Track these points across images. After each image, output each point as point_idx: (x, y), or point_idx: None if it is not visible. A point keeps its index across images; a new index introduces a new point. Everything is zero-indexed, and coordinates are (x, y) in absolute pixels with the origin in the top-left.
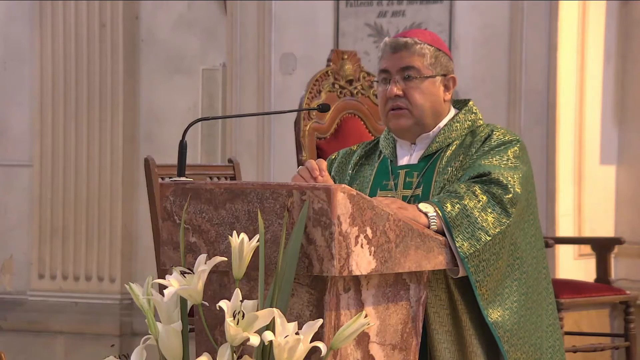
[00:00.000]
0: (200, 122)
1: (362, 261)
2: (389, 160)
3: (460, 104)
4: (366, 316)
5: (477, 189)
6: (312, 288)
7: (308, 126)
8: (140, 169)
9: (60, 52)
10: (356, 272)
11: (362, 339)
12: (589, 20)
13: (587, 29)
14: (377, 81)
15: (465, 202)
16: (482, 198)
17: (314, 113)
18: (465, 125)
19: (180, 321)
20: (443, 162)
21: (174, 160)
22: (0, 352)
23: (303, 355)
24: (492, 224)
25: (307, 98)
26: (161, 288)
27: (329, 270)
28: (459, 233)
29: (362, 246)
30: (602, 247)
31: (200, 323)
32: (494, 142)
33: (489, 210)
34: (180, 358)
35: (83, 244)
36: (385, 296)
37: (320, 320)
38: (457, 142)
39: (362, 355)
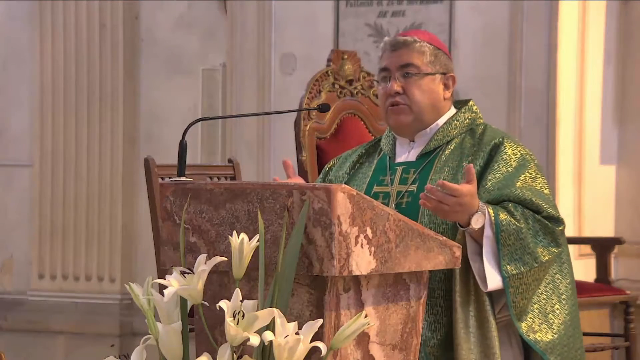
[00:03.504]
0: (200, 122)
1: (362, 261)
2: (387, 157)
3: (461, 103)
4: (366, 316)
5: (529, 216)
6: (312, 288)
7: (308, 126)
8: (140, 169)
9: (60, 52)
10: (356, 272)
11: (362, 339)
12: (589, 20)
13: (587, 29)
14: (378, 80)
15: (522, 225)
16: (535, 225)
17: (314, 113)
18: (465, 124)
19: (180, 321)
20: (441, 161)
21: (174, 160)
22: (0, 352)
23: (303, 355)
24: (543, 252)
25: (307, 98)
26: (161, 288)
27: (329, 270)
28: (507, 252)
29: (362, 246)
30: (602, 247)
31: (200, 323)
32: (514, 161)
33: (540, 239)
34: (180, 358)
35: (83, 244)
36: (385, 296)
37: (320, 320)
38: (457, 140)
39: (362, 355)
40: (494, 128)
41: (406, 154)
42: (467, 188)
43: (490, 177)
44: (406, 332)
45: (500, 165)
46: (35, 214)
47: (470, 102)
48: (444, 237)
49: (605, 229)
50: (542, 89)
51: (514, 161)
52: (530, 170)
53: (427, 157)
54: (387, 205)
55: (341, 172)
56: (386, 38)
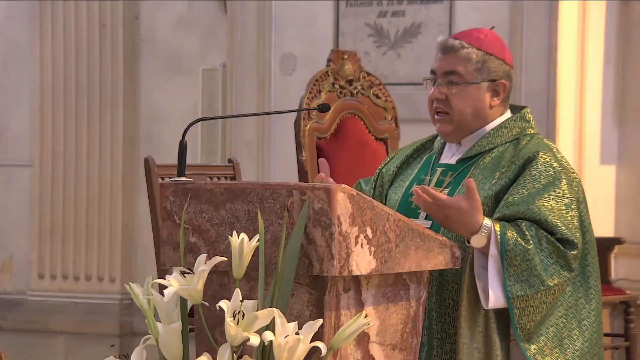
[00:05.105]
0: (200, 122)
1: (362, 261)
2: (434, 156)
3: (516, 110)
4: (366, 316)
5: (542, 237)
6: (312, 288)
7: (308, 126)
8: (140, 169)
9: (60, 52)
10: (356, 272)
11: (362, 339)
12: (589, 20)
13: (587, 29)
14: (428, 79)
15: (529, 247)
16: (547, 247)
17: (314, 113)
18: (513, 133)
19: (180, 321)
20: (478, 169)
21: (174, 160)
22: (0, 352)
23: (303, 355)
24: (551, 275)
25: (307, 98)
26: (161, 288)
27: (329, 270)
28: (513, 273)
29: (362, 246)
30: (602, 247)
31: (200, 323)
32: (544, 178)
33: (551, 262)
34: (180, 358)
35: (83, 244)
36: (385, 296)
37: (320, 320)
38: (500, 149)
39: (362, 355)
40: (537, 141)
41: (450, 155)
42: (453, 201)
43: (514, 192)
44: (406, 332)
45: (527, 181)
46: (35, 214)
47: (525, 110)
48: (444, 237)
49: (605, 229)
50: (542, 89)
51: (543, 178)
52: (558, 190)
53: (467, 162)
54: None
55: (393, 166)
56: (440, 37)
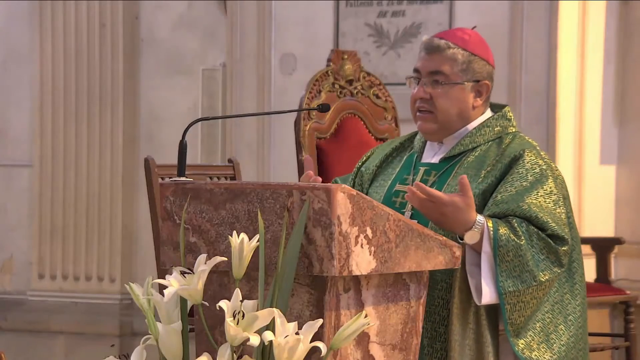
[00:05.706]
0: (200, 122)
1: (362, 261)
2: (415, 155)
3: (497, 108)
4: (366, 316)
5: (534, 234)
6: (312, 288)
7: (308, 126)
8: (140, 169)
9: (60, 52)
10: (356, 272)
11: (362, 339)
12: (589, 20)
13: (587, 29)
14: (413, 77)
15: (522, 242)
16: (538, 243)
17: (314, 113)
18: (495, 131)
19: (180, 321)
20: (462, 168)
21: (174, 160)
22: (0, 352)
23: (303, 355)
24: (543, 270)
25: (307, 98)
26: (161, 288)
27: (329, 270)
28: (505, 269)
29: (362, 246)
30: (602, 247)
31: (200, 323)
32: (531, 176)
33: (542, 257)
34: (180, 358)
35: (83, 244)
36: (385, 296)
37: (320, 320)
38: (483, 148)
39: (362, 355)
40: (521, 140)
41: (432, 155)
42: (449, 198)
43: (502, 190)
44: (406, 332)
45: (515, 179)
46: (35, 214)
47: (506, 109)
48: (444, 237)
49: (605, 229)
50: (542, 89)
51: (530, 176)
52: (545, 187)
53: (450, 161)
54: (405, 204)
55: (372, 165)
56: (425, 36)
